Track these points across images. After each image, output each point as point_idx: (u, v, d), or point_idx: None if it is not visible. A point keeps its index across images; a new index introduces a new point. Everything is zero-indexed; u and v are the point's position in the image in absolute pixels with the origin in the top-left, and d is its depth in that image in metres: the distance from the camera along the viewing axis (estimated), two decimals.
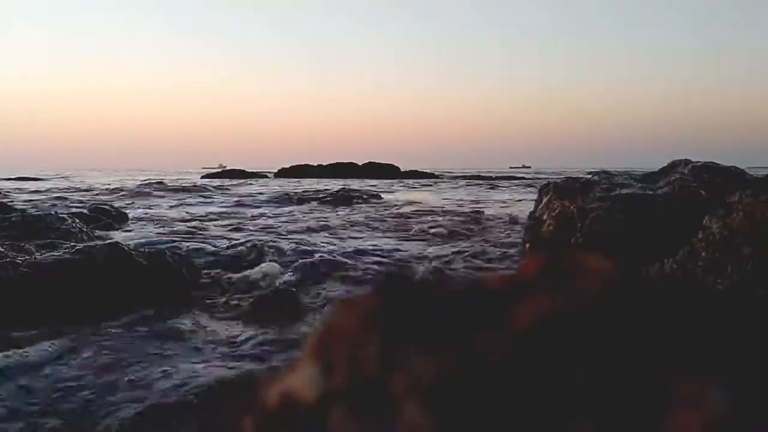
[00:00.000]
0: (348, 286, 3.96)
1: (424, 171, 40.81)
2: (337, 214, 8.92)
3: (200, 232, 6.54)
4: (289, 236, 6.23)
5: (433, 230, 6.54)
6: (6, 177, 29.80)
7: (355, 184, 21.07)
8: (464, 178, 30.63)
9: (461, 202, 12.07)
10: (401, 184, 23.44)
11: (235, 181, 25.89)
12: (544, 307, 0.27)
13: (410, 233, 6.63)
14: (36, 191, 16.27)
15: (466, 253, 5.22)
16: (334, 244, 5.67)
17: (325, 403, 0.28)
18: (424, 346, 0.27)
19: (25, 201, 11.62)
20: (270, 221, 7.96)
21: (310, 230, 6.83)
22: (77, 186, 19.11)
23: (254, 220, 8.17)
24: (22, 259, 3.18)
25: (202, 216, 8.78)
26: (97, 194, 14.49)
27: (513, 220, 7.26)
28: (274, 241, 5.38)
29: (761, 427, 0.24)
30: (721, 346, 0.26)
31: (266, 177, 34.22)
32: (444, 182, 25.85)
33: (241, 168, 40.57)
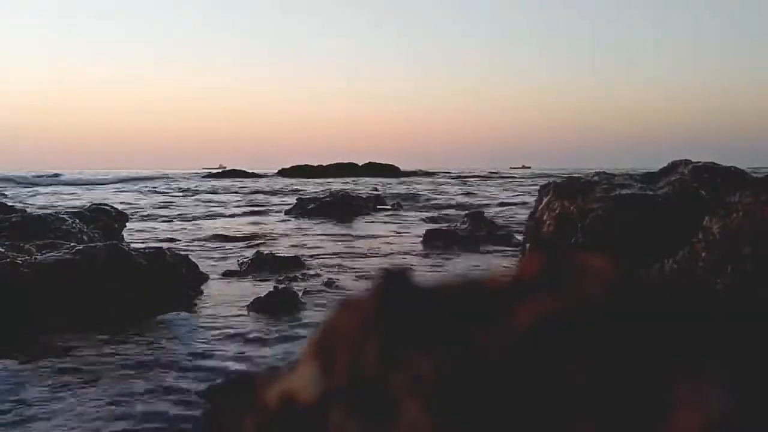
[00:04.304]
0: None
1: (425, 171, 40.85)
2: None
3: None
4: None
5: None
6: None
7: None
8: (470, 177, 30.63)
9: None
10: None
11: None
12: (545, 307, 0.27)
13: None
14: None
15: None
16: None
17: (325, 403, 0.28)
18: (424, 346, 0.27)
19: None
20: None
21: None
22: None
23: None
24: (23, 259, 3.18)
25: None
26: None
27: None
28: None
29: (761, 428, 0.24)
30: (721, 346, 0.26)
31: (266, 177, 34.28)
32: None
33: (242, 168, 40.59)
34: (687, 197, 2.64)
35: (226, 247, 5.92)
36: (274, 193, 16.83)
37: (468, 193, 16.44)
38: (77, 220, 4.65)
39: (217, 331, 2.96)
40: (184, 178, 31.16)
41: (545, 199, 3.01)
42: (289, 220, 8.83)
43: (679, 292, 0.28)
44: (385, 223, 8.47)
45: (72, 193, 17.08)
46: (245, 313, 3.28)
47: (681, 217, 2.50)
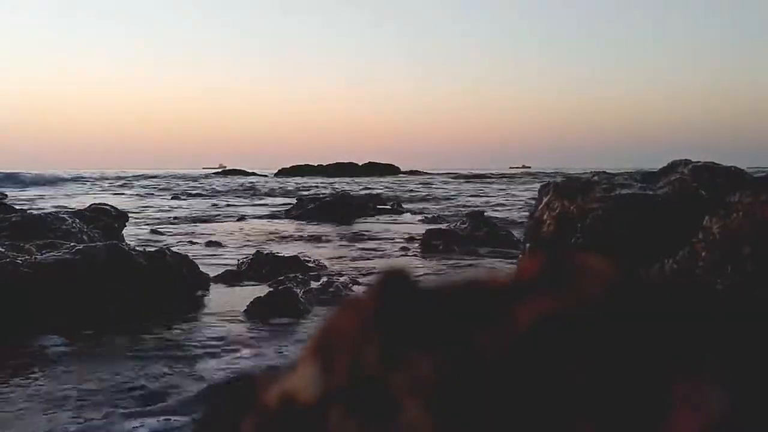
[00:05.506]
0: None
1: (425, 171, 40.90)
2: None
3: None
4: None
5: None
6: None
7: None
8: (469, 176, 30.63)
9: None
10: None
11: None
12: (545, 307, 0.27)
13: None
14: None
15: None
16: None
17: (325, 403, 0.28)
18: (424, 346, 0.27)
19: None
20: None
21: None
22: None
23: None
24: (23, 259, 3.18)
25: None
26: None
27: None
28: None
29: (761, 428, 0.24)
30: (721, 346, 0.26)
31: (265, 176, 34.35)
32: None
33: (242, 168, 40.61)
34: (687, 197, 2.64)
35: (226, 247, 5.92)
36: (273, 193, 16.82)
37: (468, 193, 16.45)
38: (77, 220, 4.65)
39: (217, 331, 2.96)
40: (184, 177, 31.18)
41: (545, 199, 3.00)
42: (289, 220, 8.82)
43: (679, 292, 0.28)
44: (385, 222, 8.47)
45: (71, 194, 17.07)
46: (245, 313, 3.27)
47: (681, 217, 2.49)
